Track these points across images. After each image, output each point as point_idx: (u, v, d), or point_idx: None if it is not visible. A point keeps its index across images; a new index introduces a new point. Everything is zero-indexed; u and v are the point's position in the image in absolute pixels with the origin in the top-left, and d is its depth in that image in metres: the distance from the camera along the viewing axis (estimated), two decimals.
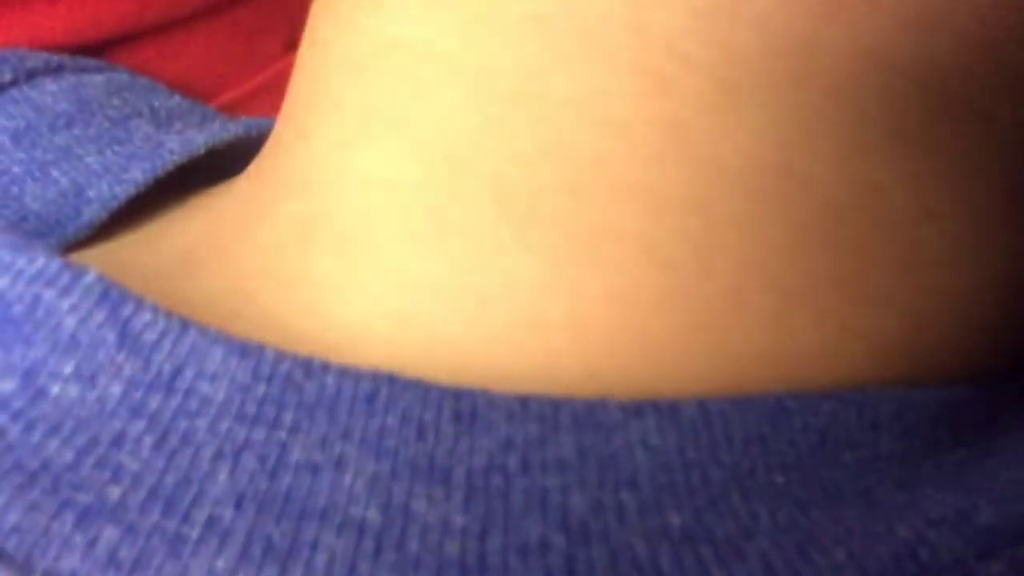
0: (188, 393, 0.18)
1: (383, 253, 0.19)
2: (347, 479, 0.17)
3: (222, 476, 0.17)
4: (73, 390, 0.18)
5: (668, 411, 0.18)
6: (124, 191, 0.26)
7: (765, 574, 0.17)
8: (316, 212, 0.20)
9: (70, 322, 0.19)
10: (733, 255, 0.19)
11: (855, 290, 0.19)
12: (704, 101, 0.18)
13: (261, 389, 0.18)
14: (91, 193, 0.26)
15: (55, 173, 0.27)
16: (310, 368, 0.18)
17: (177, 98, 0.33)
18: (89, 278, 0.19)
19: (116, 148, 0.28)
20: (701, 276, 0.19)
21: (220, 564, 0.17)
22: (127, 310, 0.19)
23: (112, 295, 0.19)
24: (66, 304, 0.19)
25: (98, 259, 0.23)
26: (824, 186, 0.19)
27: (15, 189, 0.27)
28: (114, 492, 0.17)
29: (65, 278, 0.19)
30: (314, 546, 0.17)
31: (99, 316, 0.19)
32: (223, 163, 0.27)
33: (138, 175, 0.26)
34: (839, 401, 0.19)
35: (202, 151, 0.27)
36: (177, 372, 0.18)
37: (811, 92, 0.18)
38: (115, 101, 0.31)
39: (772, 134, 0.18)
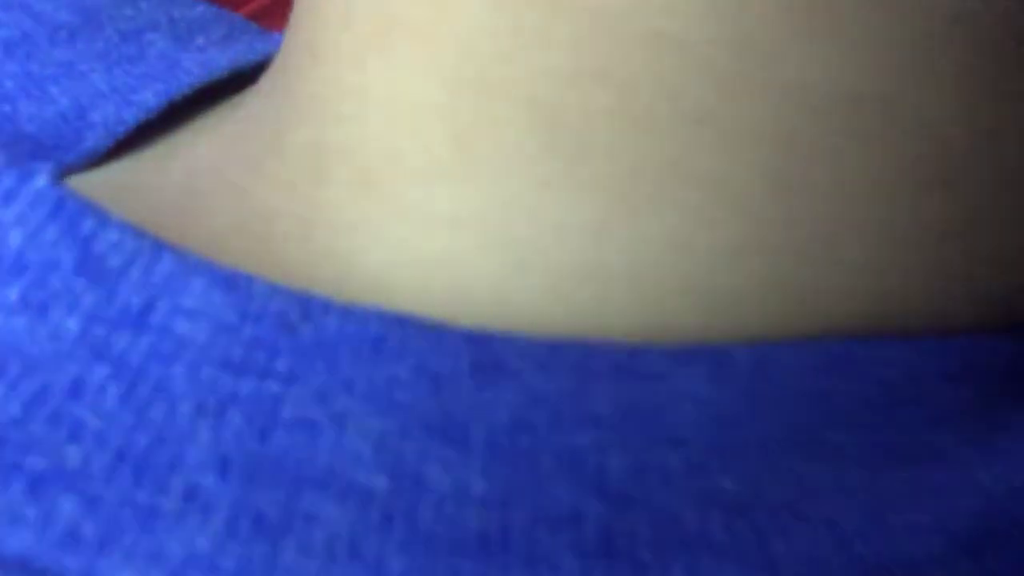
0: (162, 332, 0.16)
1: (407, 189, 0.17)
2: (350, 440, 0.16)
3: (203, 436, 0.16)
4: (19, 323, 0.16)
5: (719, 359, 0.17)
6: (133, 115, 0.23)
7: (833, 541, 0.16)
8: (330, 141, 0.18)
9: (15, 237, 0.17)
10: (822, 197, 0.17)
11: (964, 241, 0.17)
12: (781, 15, 0.16)
13: (249, 330, 0.16)
14: (95, 116, 0.24)
15: (54, 91, 0.25)
16: (307, 307, 0.17)
17: (200, 7, 0.31)
18: (40, 182, 0.17)
19: (126, 66, 0.26)
20: (784, 221, 0.17)
21: (202, 541, 0.15)
22: (88, 226, 0.17)
23: (69, 206, 0.17)
24: (10, 214, 0.17)
25: (93, 184, 0.21)
26: (932, 121, 0.17)
27: (7, 107, 0.25)
28: (73, 454, 0.16)
29: (8, 181, 0.17)
30: (312, 519, 0.15)
31: (52, 232, 0.17)
32: (250, 81, 0.25)
33: (149, 98, 0.24)
34: (913, 349, 0.17)
35: (224, 74, 0.25)
36: (148, 306, 0.17)
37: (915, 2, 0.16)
38: (127, 11, 0.28)
39: (866, 55, 0.16)
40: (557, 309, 0.17)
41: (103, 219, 0.17)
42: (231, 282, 0.17)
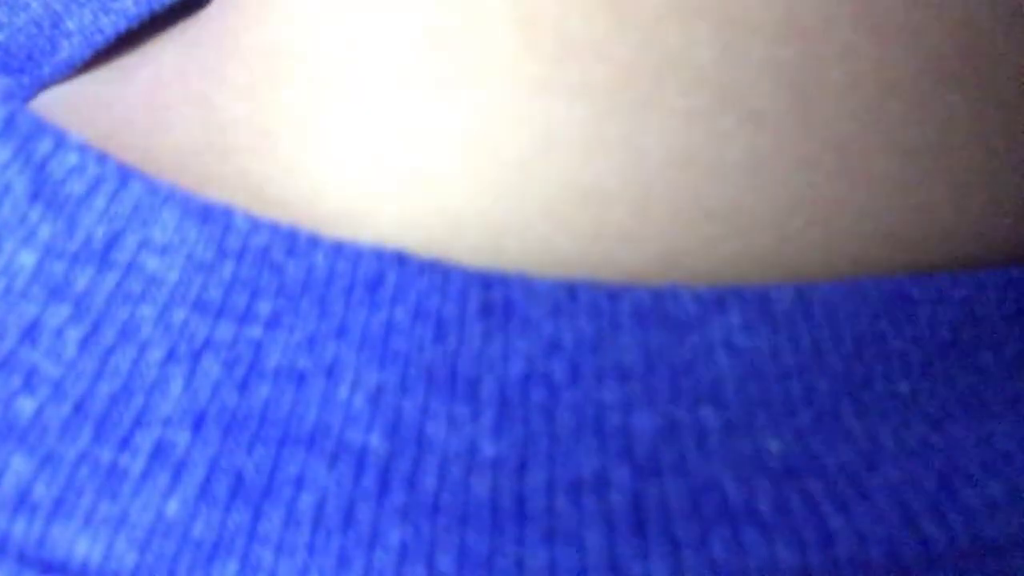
0: (129, 270, 0.16)
1: (374, 95, 0.17)
2: (342, 392, 0.15)
3: (175, 386, 0.15)
4: None
5: (757, 302, 0.16)
6: (112, 24, 0.23)
7: (899, 517, 0.15)
8: (285, 40, 0.18)
9: None
10: (843, 101, 0.16)
11: (1007, 151, 0.17)
12: None
13: (228, 269, 0.16)
14: (70, 23, 0.23)
15: None
16: (294, 242, 0.16)
17: None
18: None
19: None
20: (800, 129, 0.16)
21: (172, 506, 0.15)
22: (43, 147, 0.16)
23: (21, 124, 0.16)
24: None
25: (63, 101, 0.21)
26: (955, 3, 0.16)
27: None
28: (25, 406, 0.15)
29: None
30: (298, 482, 0.15)
31: (2, 154, 0.16)
32: None
33: (130, 5, 0.23)
34: (975, 285, 0.17)
35: None
36: (114, 240, 0.16)
37: None
38: None
39: None
40: (553, 236, 0.16)
41: (61, 140, 0.16)
42: (207, 214, 0.16)
